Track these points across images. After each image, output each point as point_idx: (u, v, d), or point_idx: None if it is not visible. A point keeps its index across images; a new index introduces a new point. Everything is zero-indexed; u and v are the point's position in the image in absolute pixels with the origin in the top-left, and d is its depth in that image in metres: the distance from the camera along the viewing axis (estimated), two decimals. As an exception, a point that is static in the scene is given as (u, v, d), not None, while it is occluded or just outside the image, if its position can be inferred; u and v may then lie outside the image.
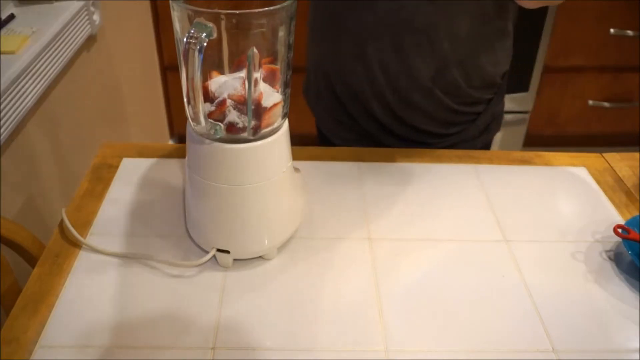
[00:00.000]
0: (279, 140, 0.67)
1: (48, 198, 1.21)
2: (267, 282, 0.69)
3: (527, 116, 2.14)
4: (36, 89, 1.10)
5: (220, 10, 0.57)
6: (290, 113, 0.69)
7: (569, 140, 2.29)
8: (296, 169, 0.78)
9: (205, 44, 0.56)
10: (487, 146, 1.06)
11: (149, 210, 0.80)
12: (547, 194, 0.86)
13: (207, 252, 0.70)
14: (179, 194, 0.82)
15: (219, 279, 0.69)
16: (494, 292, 0.69)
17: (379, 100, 0.95)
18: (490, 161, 0.92)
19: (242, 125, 0.63)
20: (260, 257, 0.72)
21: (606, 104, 2.15)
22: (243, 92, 0.62)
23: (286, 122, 0.69)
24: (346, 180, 0.87)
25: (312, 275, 0.70)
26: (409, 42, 0.88)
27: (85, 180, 0.85)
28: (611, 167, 0.92)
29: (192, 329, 0.63)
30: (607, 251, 0.75)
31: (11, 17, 1.18)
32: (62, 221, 0.76)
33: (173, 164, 0.89)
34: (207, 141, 0.64)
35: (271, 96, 0.65)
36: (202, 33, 0.56)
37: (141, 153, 0.91)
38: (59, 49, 1.19)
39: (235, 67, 0.64)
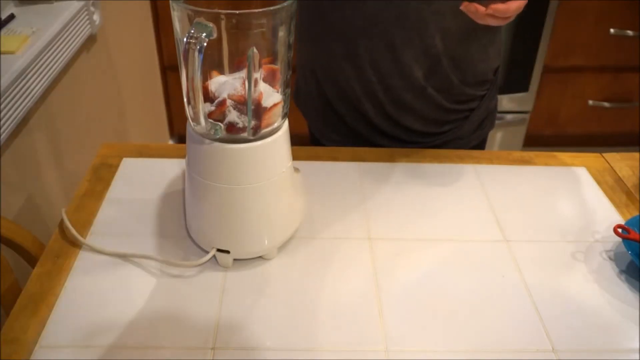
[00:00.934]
0: (279, 140, 0.67)
1: (48, 198, 1.21)
2: (267, 282, 0.69)
3: (527, 116, 2.14)
4: (36, 89, 1.10)
5: (220, 10, 0.57)
6: (290, 113, 0.69)
7: (569, 140, 2.29)
8: (296, 169, 0.78)
9: (205, 44, 0.56)
10: (482, 143, 1.05)
11: (149, 210, 0.80)
12: (547, 194, 0.86)
13: (207, 252, 0.70)
14: (179, 194, 0.82)
15: (219, 279, 0.69)
16: (494, 292, 0.69)
17: (371, 101, 0.94)
18: (490, 161, 0.92)
19: (242, 125, 0.63)
20: (260, 257, 0.72)
21: (606, 104, 2.15)
22: (243, 92, 0.62)
23: (286, 122, 0.69)
24: (346, 180, 0.87)
25: (312, 275, 0.70)
26: (400, 40, 0.87)
27: (85, 180, 0.85)
28: (611, 167, 0.92)
29: (192, 329, 0.63)
30: (607, 251, 0.75)
31: (11, 17, 1.18)
32: (62, 221, 0.76)
33: (173, 164, 0.89)
34: (207, 141, 0.64)
35: (271, 96, 0.65)
36: (202, 33, 0.56)
37: (141, 153, 0.91)
38: (59, 49, 1.19)
39: (235, 67, 0.64)
